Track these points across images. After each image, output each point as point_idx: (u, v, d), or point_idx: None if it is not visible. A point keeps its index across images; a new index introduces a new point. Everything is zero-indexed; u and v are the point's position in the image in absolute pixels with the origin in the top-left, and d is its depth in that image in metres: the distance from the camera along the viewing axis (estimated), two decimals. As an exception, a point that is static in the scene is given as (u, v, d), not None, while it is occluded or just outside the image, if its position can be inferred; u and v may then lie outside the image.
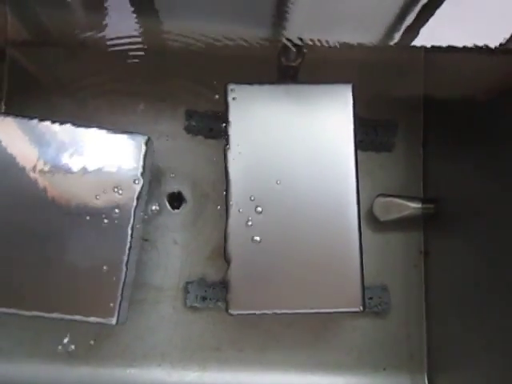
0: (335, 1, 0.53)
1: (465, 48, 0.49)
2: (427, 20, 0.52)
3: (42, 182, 0.46)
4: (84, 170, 0.47)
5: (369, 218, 0.56)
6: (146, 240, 0.55)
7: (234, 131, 0.48)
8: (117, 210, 0.47)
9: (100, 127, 0.48)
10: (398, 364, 0.55)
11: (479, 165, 0.48)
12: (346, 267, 0.47)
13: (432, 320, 0.55)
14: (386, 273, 0.56)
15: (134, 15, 0.54)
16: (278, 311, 0.47)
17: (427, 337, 0.55)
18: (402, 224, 0.56)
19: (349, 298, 0.46)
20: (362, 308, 0.46)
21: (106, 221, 0.47)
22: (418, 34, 0.54)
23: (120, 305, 0.45)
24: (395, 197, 0.55)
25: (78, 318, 0.45)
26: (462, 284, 0.50)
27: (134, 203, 0.47)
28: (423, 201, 0.55)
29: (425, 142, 0.58)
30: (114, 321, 0.45)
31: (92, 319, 0.45)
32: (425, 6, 0.52)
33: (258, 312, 0.46)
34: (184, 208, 0.57)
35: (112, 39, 0.54)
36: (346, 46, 0.54)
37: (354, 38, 0.54)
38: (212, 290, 0.54)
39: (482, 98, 0.49)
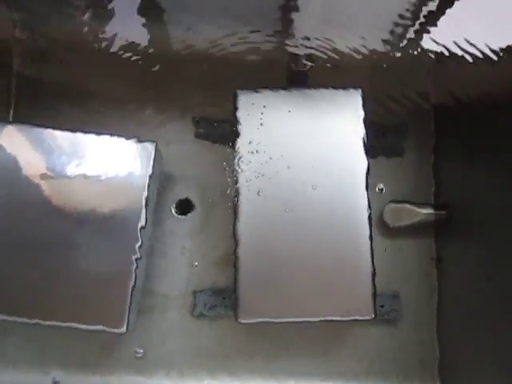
0: (343, 5, 0.53)
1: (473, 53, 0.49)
2: (435, 23, 0.52)
3: (50, 189, 0.46)
4: (92, 177, 0.47)
5: (380, 224, 0.55)
6: (154, 245, 0.54)
7: (243, 137, 0.48)
8: (125, 217, 0.47)
9: (108, 134, 0.48)
10: (410, 372, 0.54)
11: (492, 170, 0.48)
12: (357, 274, 0.46)
13: (444, 328, 0.54)
14: (398, 280, 0.55)
15: (142, 21, 0.53)
16: (288, 319, 0.46)
17: (439, 345, 0.54)
18: (414, 230, 0.55)
19: (360, 305, 0.46)
20: (373, 316, 0.46)
21: (114, 228, 0.46)
22: (426, 37, 0.53)
23: (129, 313, 0.45)
24: (406, 203, 0.55)
25: (86, 326, 0.44)
26: (475, 291, 0.49)
27: (143, 210, 0.47)
28: (435, 207, 0.55)
29: (436, 147, 0.58)
30: (123, 329, 0.45)
31: (100, 328, 0.44)
32: (434, 10, 0.51)
33: (267, 320, 0.46)
34: (192, 214, 0.56)
35: (120, 46, 0.54)
36: (355, 51, 0.54)
37: (362, 42, 0.54)
38: (221, 298, 0.53)
39: (495, 103, 0.48)
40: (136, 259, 0.46)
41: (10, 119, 0.54)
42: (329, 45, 0.54)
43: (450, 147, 0.56)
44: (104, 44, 0.54)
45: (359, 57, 0.54)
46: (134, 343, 0.53)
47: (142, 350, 0.53)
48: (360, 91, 0.49)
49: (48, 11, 0.53)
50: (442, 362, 0.54)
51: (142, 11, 0.53)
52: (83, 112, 0.56)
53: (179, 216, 0.56)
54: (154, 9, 0.53)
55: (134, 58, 0.55)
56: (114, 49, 0.54)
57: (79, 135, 0.48)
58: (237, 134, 0.48)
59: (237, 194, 0.47)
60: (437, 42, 0.52)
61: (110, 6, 0.51)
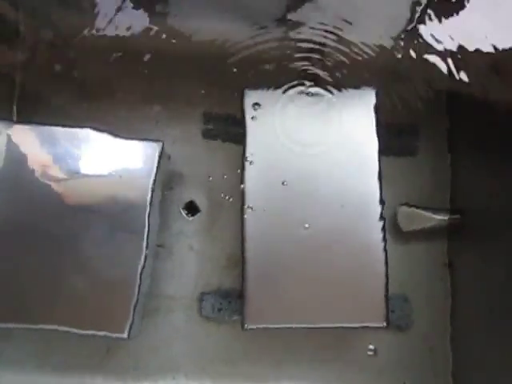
0: (357, 2, 0.52)
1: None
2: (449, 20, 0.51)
3: (56, 188, 0.46)
4: (98, 177, 0.46)
5: (391, 228, 0.54)
6: (160, 246, 0.53)
7: (251, 136, 0.47)
8: (130, 217, 0.46)
9: (115, 132, 0.47)
10: (421, 380, 0.53)
11: (507, 174, 0.46)
12: (369, 281, 0.45)
13: (457, 335, 0.53)
14: (409, 285, 0.54)
15: (149, 18, 0.53)
16: (296, 325, 0.45)
17: (451, 352, 0.53)
18: (426, 235, 0.54)
19: (372, 312, 0.45)
20: (385, 324, 0.45)
21: (119, 228, 0.46)
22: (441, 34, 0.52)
23: (132, 318, 0.44)
24: (419, 207, 0.53)
25: (88, 332, 0.44)
26: (489, 298, 0.48)
27: (148, 210, 0.46)
28: (448, 211, 0.53)
29: (451, 150, 0.56)
30: (124, 335, 0.44)
31: (103, 333, 0.44)
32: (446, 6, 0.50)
33: (275, 326, 0.45)
34: (200, 215, 0.55)
35: (127, 43, 0.53)
36: (368, 50, 0.53)
37: (375, 40, 0.53)
38: (227, 301, 0.52)
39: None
40: (142, 259, 0.45)
41: (14, 118, 0.53)
42: (342, 43, 0.52)
43: (465, 150, 0.55)
44: (110, 41, 0.53)
45: (373, 55, 0.53)
46: (139, 346, 0.52)
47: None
48: (373, 90, 0.48)
49: (52, 8, 0.52)
50: (454, 370, 0.53)
51: (148, 7, 0.52)
52: (90, 110, 0.55)
53: (187, 217, 0.55)
54: (162, 4, 0.52)
55: (142, 55, 0.54)
56: (120, 46, 0.53)
57: (86, 133, 0.47)
58: (245, 134, 0.47)
59: (245, 194, 0.46)
60: (452, 39, 0.51)
61: (117, 4, 0.51)
